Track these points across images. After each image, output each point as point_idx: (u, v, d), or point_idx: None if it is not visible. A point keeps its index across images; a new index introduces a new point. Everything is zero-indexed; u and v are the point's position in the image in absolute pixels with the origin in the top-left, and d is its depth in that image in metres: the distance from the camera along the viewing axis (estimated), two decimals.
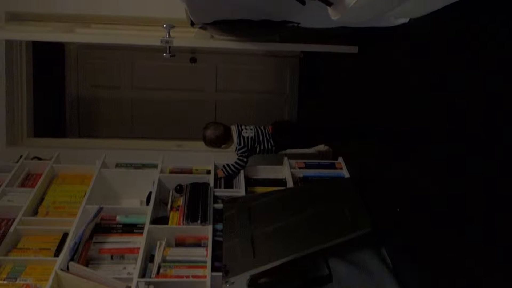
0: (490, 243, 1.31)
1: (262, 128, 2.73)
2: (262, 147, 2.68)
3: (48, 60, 3.98)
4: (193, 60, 4.36)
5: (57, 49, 4.16)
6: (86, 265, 2.04)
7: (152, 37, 2.48)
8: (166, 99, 4.39)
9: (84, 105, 4.35)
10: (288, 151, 2.85)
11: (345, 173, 2.73)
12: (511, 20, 1.25)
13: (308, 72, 4.26)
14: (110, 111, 4.37)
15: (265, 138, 2.69)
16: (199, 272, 2.05)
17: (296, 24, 2.24)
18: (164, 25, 2.42)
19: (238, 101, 4.45)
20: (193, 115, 4.35)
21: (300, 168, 2.78)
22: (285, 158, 2.80)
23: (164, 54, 2.50)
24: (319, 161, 2.88)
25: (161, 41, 2.44)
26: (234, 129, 2.70)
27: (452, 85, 1.56)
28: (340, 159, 2.85)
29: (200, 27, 2.42)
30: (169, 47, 2.45)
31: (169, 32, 2.43)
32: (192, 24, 2.37)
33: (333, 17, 1.54)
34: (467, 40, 1.47)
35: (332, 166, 2.81)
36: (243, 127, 2.72)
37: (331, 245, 2.04)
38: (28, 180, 2.59)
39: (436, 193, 1.66)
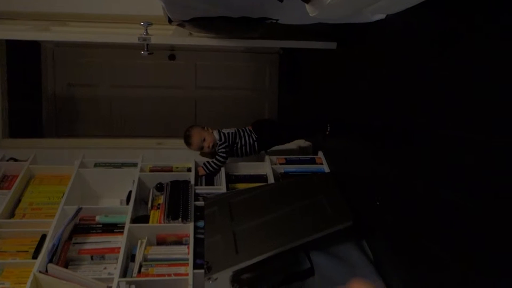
0: (471, 236, 1.34)
1: (242, 128, 2.75)
2: (243, 142, 2.68)
3: (23, 58, 3.89)
4: (172, 57, 4.33)
5: (32, 47, 4.07)
6: (66, 266, 2.02)
7: (129, 35, 2.45)
8: (145, 96, 4.34)
9: (61, 104, 4.26)
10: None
11: (326, 168, 2.76)
12: (487, 12, 1.28)
13: (288, 68, 4.27)
14: (88, 109, 4.30)
15: (246, 133, 2.70)
16: (181, 270, 2.05)
17: (274, 21, 2.24)
18: (142, 23, 2.40)
19: (218, 98, 4.44)
20: (173, 112, 4.32)
21: (281, 163, 2.80)
22: (266, 155, 2.81)
23: (142, 52, 2.47)
24: (299, 156, 2.89)
25: (139, 39, 2.41)
26: (215, 131, 2.70)
27: (431, 79, 1.58)
28: (320, 154, 2.87)
29: (178, 24, 2.40)
30: (147, 44, 2.43)
31: (146, 30, 2.40)
32: (170, 21, 2.35)
33: (311, 13, 1.55)
34: (445, 34, 1.50)
35: (312, 161, 2.83)
36: (223, 128, 2.73)
37: (313, 239, 2.06)
38: (4, 182, 2.54)
39: (416, 186, 1.69)
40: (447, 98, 1.46)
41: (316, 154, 2.92)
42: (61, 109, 4.27)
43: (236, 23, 2.21)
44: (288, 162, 2.81)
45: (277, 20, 2.23)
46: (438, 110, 1.52)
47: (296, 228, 2.11)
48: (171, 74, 4.39)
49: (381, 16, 1.88)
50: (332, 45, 2.59)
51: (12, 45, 3.41)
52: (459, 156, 1.40)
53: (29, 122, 4.00)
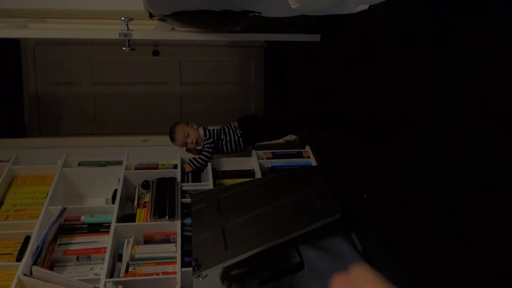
0: (462, 228, 1.33)
1: (227, 124, 2.74)
2: (228, 138, 2.66)
3: (2, 57, 3.81)
4: (155, 53, 4.27)
5: (12, 45, 3.99)
6: (51, 268, 1.98)
7: (110, 31, 2.41)
8: (130, 93, 4.29)
9: (44, 103, 4.19)
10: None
11: (313, 162, 2.75)
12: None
13: (272, 61, 4.25)
14: (72, 108, 4.23)
15: (231, 130, 2.68)
16: (169, 268, 2.03)
17: (257, 14, 2.22)
18: (122, 18, 2.35)
19: (203, 93, 4.39)
20: (158, 108, 4.27)
21: (267, 158, 2.78)
22: (253, 149, 2.79)
23: (124, 48, 2.43)
24: (286, 150, 2.88)
25: (120, 35, 2.37)
26: (200, 128, 2.68)
27: (415, 70, 1.57)
28: (307, 148, 2.86)
29: (160, 19, 2.36)
30: (128, 40, 2.38)
31: (127, 25, 2.36)
32: (151, 16, 2.31)
33: (293, 5, 1.52)
34: (428, 22, 1.49)
35: (299, 155, 2.82)
36: (209, 125, 2.71)
37: (302, 233, 2.05)
38: None
39: (404, 177, 1.69)
40: (434, 87, 1.45)
41: (303, 147, 2.91)
42: (44, 108, 4.20)
43: (218, 16, 2.19)
44: (275, 156, 2.80)
45: (260, 13, 2.21)
46: (425, 99, 1.52)
47: (285, 223, 2.10)
48: (155, 70, 4.33)
49: (364, 7, 1.86)
50: (316, 38, 2.57)
51: None
52: (447, 146, 1.39)
53: (11, 122, 3.93)
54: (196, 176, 2.63)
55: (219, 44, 4.32)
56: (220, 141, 2.66)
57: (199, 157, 2.61)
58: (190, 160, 2.63)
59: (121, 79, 4.28)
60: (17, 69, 4.06)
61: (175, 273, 1.97)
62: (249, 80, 4.54)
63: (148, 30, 2.50)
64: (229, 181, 2.60)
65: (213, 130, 2.66)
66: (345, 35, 2.27)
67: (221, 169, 2.71)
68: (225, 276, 1.94)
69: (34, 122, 4.12)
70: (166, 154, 2.76)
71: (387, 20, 1.78)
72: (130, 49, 2.43)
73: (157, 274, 1.98)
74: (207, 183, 2.52)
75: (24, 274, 1.82)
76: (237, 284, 1.94)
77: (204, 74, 4.42)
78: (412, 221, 1.61)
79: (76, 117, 4.23)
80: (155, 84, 4.38)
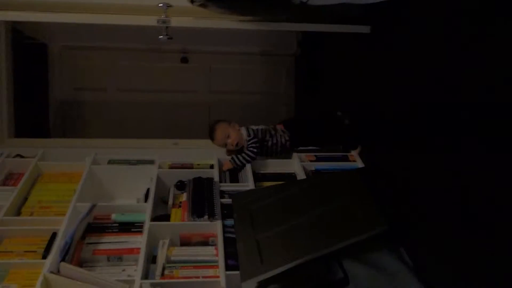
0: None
1: (272, 126, 2.57)
2: (274, 141, 2.48)
3: (30, 62, 3.72)
4: (184, 60, 4.15)
5: (39, 50, 3.91)
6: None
7: (146, 18, 2.27)
8: (157, 101, 4.15)
9: (69, 109, 4.08)
10: None
11: (359, 166, 2.52)
12: None
13: (305, 69, 4.08)
14: (97, 114, 4.11)
15: (277, 133, 2.51)
16: (209, 272, 1.80)
17: (304, 1, 2.07)
18: (161, 4, 2.22)
19: (232, 102, 4.23)
20: (186, 117, 4.12)
21: (311, 161, 2.56)
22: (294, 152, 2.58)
23: (160, 37, 2.30)
24: (330, 153, 2.65)
25: (158, 21, 2.25)
26: (243, 127, 2.52)
27: (471, 64, 1.38)
28: (354, 151, 2.64)
29: (200, 5, 2.22)
30: (166, 27, 2.25)
31: (165, 12, 2.23)
32: (192, 1, 2.17)
33: None
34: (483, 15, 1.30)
35: (345, 159, 2.59)
36: (251, 125, 2.55)
37: (344, 246, 1.80)
38: (9, 180, 2.30)
39: (455, 187, 1.51)
40: (490, 85, 1.25)
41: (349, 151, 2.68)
42: (69, 114, 4.10)
43: (261, 2, 2.05)
44: (319, 159, 2.58)
45: (307, 0, 2.06)
46: (482, 103, 1.32)
47: (326, 234, 1.84)
48: (184, 77, 4.21)
49: None
50: (366, 29, 2.40)
51: (18, 48, 3.24)
52: (498, 158, 1.19)
53: (36, 127, 3.80)
54: (234, 177, 2.42)
55: (250, 53, 4.19)
56: (265, 142, 2.47)
57: (242, 155, 2.41)
58: (232, 157, 2.43)
59: (148, 87, 4.16)
60: (44, 74, 3.97)
61: (217, 277, 1.75)
62: (279, 90, 4.38)
63: (187, 18, 2.34)
64: (269, 184, 2.37)
65: (257, 130, 2.49)
66: (395, 28, 2.10)
67: (262, 171, 2.49)
68: None
69: (59, 127, 4.00)
70: (201, 155, 2.56)
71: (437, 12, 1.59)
72: (168, 38, 2.29)
73: (197, 277, 1.76)
74: (248, 184, 2.31)
75: (51, 272, 1.61)
76: None
77: (233, 82, 4.27)
78: (470, 234, 1.41)
79: (100, 124, 4.09)
80: (184, 92, 4.24)
